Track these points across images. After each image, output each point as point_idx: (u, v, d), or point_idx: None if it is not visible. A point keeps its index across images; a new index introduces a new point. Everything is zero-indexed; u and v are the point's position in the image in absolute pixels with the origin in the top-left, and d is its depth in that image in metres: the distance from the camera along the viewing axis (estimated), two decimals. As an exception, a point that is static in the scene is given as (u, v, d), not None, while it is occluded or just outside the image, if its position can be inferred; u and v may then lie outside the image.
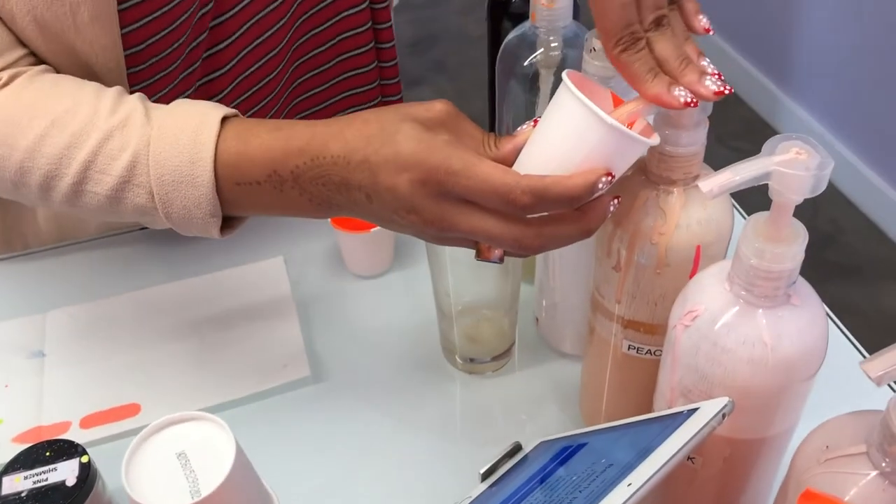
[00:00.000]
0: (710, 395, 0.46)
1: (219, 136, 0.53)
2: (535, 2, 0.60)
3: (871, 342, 0.68)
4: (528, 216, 0.47)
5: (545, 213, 0.47)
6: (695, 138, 0.48)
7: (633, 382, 0.58)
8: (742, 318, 0.44)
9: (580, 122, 0.45)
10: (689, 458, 0.50)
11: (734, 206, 0.60)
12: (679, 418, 0.44)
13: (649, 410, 0.53)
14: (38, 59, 0.62)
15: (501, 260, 0.50)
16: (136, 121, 0.54)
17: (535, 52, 0.62)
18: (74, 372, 0.71)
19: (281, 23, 0.76)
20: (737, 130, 2.31)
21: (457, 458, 0.65)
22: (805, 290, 0.45)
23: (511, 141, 0.49)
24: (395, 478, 0.64)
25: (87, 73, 0.62)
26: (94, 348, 0.73)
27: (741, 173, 0.41)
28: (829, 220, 2.06)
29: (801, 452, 0.44)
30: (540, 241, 0.48)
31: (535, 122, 0.48)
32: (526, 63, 0.63)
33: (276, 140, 0.51)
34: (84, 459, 0.57)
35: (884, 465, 0.39)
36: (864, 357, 0.69)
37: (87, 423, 0.67)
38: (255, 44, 0.75)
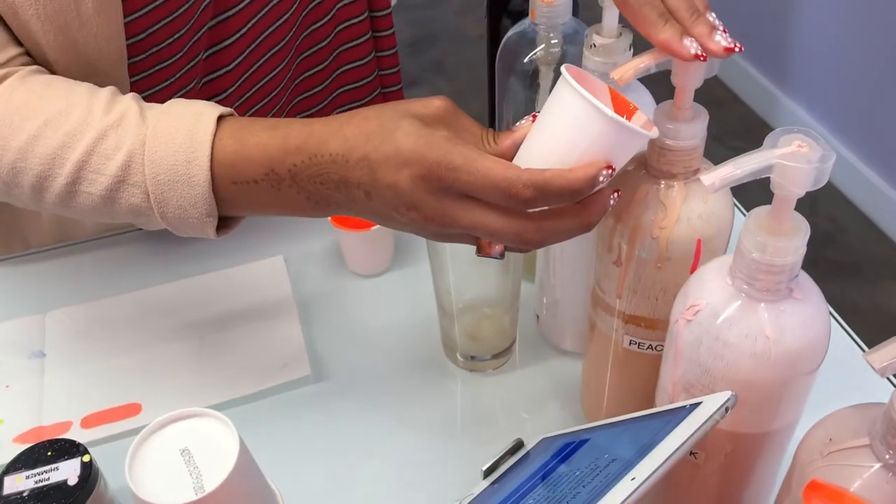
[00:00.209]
0: (712, 389, 0.46)
1: (215, 134, 0.52)
2: (535, -1, 0.60)
3: (870, 340, 0.68)
4: (529, 210, 0.47)
5: (546, 208, 0.47)
6: (695, 132, 0.48)
7: (635, 378, 0.58)
8: (744, 313, 0.44)
9: (580, 116, 0.45)
10: (691, 453, 0.50)
11: (733, 201, 0.60)
12: (682, 413, 0.44)
13: (651, 406, 0.53)
14: (31, 59, 0.61)
15: (502, 255, 0.50)
16: (130, 120, 0.53)
17: (534, 48, 0.62)
18: (75, 372, 0.71)
19: (284, 18, 0.76)
20: (734, 129, 2.32)
21: (458, 456, 0.65)
22: (807, 283, 0.45)
23: (510, 136, 0.49)
24: (397, 475, 0.64)
25: (89, 64, 0.62)
26: (94, 348, 0.73)
27: (743, 166, 0.41)
28: (826, 218, 2.06)
29: (804, 445, 0.44)
30: (541, 236, 0.48)
31: (534, 116, 0.48)
32: (526, 60, 0.63)
33: (273, 138, 0.51)
34: (86, 459, 0.57)
35: (887, 457, 0.39)
36: (865, 351, 0.69)
37: (87, 422, 0.67)
38: (258, 41, 0.75)
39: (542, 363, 0.72)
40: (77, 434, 0.66)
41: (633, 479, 0.40)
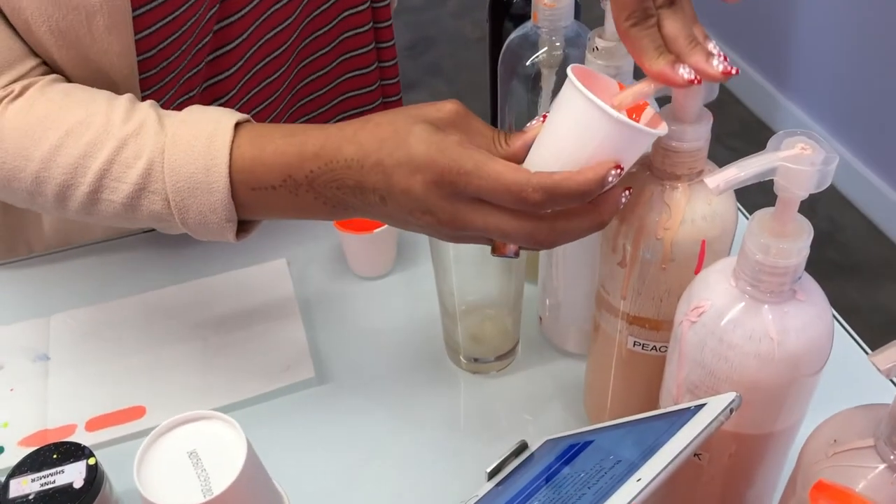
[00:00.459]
0: (716, 390, 0.46)
1: (233, 142, 0.53)
2: (537, 2, 0.60)
3: (870, 341, 0.68)
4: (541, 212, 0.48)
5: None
6: (699, 133, 0.48)
7: (639, 379, 0.59)
8: (748, 314, 0.44)
9: (586, 118, 0.45)
10: (695, 454, 0.50)
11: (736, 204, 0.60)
12: (686, 414, 0.44)
13: (655, 407, 0.53)
14: (49, 69, 0.62)
15: (517, 254, 0.51)
16: (149, 128, 0.55)
17: (537, 51, 0.62)
18: (79, 375, 0.71)
19: (287, 23, 0.76)
20: (734, 130, 2.32)
21: (463, 457, 0.65)
22: (810, 285, 0.46)
23: (521, 137, 0.49)
24: (402, 477, 0.64)
25: (101, 78, 0.63)
26: (98, 351, 0.73)
27: (747, 169, 0.42)
28: (826, 219, 2.07)
29: (808, 446, 0.44)
30: (553, 236, 0.48)
31: (544, 117, 0.49)
32: (528, 63, 0.63)
33: (290, 145, 0.52)
34: (91, 461, 0.57)
35: (892, 457, 0.39)
36: (866, 352, 0.69)
37: (92, 425, 0.67)
38: (260, 44, 0.75)
39: (546, 365, 0.72)
40: (82, 437, 0.66)
41: (638, 480, 0.40)
